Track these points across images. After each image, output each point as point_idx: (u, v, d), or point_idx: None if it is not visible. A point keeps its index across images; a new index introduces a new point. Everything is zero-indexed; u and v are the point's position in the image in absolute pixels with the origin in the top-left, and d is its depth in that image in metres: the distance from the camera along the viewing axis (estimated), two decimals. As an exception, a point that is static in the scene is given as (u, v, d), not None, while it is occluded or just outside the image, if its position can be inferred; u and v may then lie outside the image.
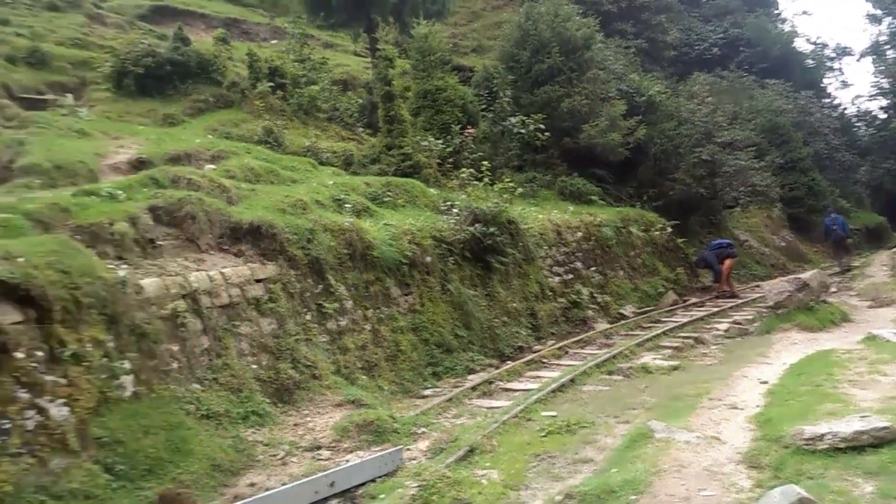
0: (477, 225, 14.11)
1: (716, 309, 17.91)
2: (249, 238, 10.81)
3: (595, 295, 17.12)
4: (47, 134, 13.72)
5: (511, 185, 15.93)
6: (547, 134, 20.84)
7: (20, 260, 6.97)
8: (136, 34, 23.27)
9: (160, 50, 20.08)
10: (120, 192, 10.46)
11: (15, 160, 11.90)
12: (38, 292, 6.93)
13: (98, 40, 21.70)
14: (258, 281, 10.18)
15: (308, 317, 10.33)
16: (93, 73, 19.31)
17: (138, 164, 13.01)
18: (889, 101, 38.47)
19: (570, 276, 16.96)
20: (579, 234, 18.30)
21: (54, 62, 18.89)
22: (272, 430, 8.07)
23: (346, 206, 13.11)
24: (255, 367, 9.00)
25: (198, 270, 9.55)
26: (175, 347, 8.22)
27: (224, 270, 9.80)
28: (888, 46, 33.18)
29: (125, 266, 8.79)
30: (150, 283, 8.57)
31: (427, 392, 10.82)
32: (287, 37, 27.82)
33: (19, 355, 6.57)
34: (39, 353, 6.77)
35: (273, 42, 28.27)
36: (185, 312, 8.68)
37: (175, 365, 8.06)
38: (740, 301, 19.11)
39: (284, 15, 32.03)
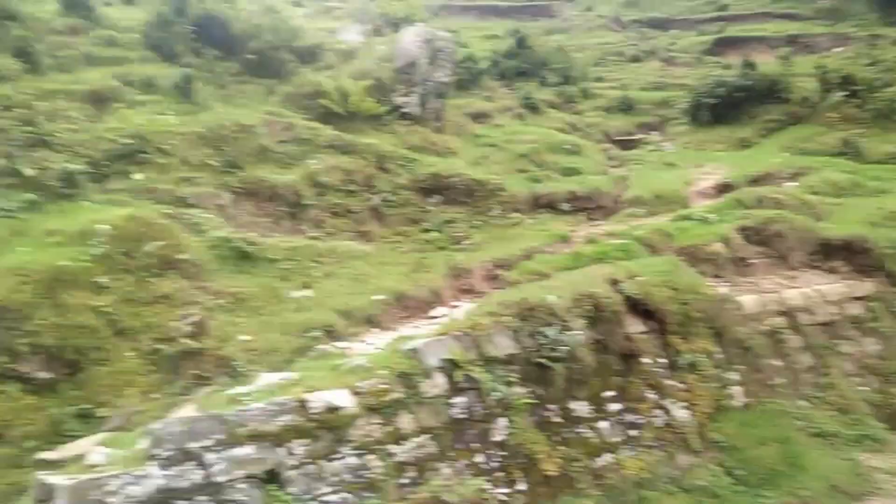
0: None
1: None
2: (842, 254, 9.88)
3: None
4: (642, 168, 15.01)
5: None
6: None
7: (640, 279, 7.68)
8: (705, 68, 23.81)
9: (728, 79, 20.09)
10: (710, 215, 10.75)
11: (622, 193, 13.36)
12: (655, 306, 7.54)
13: (671, 80, 22.92)
14: (856, 299, 9.19)
15: (925, 340, 8.83)
16: (669, 111, 20.43)
17: (722, 188, 13.16)
18: None
19: None
20: None
21: (639, 105, 20.66)
22: (892, 457, 7.08)
23: (960, 212, 10.82)
24: (862, 388, 8.10)
25: (791, 287, 9.12)
26: (777, 363, 7.98)
27: (819, 287, 9.14)
28: None
29: (723, 283, 8.93)
30: (747, 300, 8.53)
31: None
32: (852, 42, 24.90)
33: (645, 361, 7.24)
34: (661, 360, 7.34)
35: (837, 50, 25.60)
36: (784, 329, 8.37)
37: (779, 380, 7.81)
38: None
39: (845, 20, 28.88)
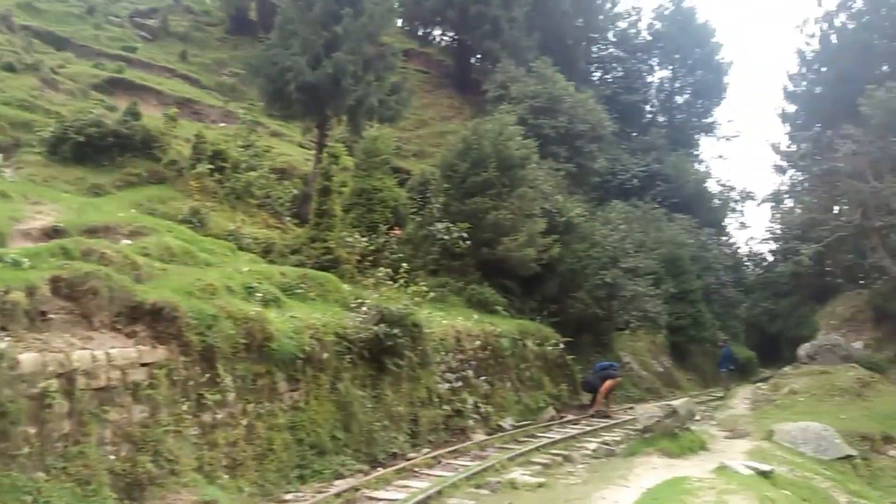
0: (382, 325, 13.55)
1: (589, 428, 17.82)
2: (148, 319, 10.19)
3: (479, 404, 16.68)
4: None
5: (424, 288, 15.45)
6: (468, 242, 20.72)
7: None
8: (88, 103, 22.80)
9: (107, 121, 19.64)
10: (25, 259, 9.89)
11: None
12: None
13: (46, 104, 21.16)
14: (143, 365, 9.53)
15: (184, 407, 9.64)
16: (30, 136, 18.64)
17: (52, 233, 12.40)
18: (778, 246, 39.88)
19: (460, 383, 16.44)
20: (478, 342, 17.96)
21: (-8, 120, 18.21)
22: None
23: (257, 294, 12.54)
24: (112, 457, 8.33)
25: (82, 349, 8.95)
26: (32, 430, 7.60)
27: (110, 351, 9.19)
28: (787, 196, 34.67)
29: (7, 338, 8.21)
30: (27, 358, 7.99)
31: (288, 496, 10.13)
32: (238, 122, 27.60)
33: None
34: None
35: (222, 125, 28.12)
36: (56, 392, 8.07)
37: (26, 450, 7.42)
38: (612, 422, 19.04)
39: (239, 100, 31.94)
